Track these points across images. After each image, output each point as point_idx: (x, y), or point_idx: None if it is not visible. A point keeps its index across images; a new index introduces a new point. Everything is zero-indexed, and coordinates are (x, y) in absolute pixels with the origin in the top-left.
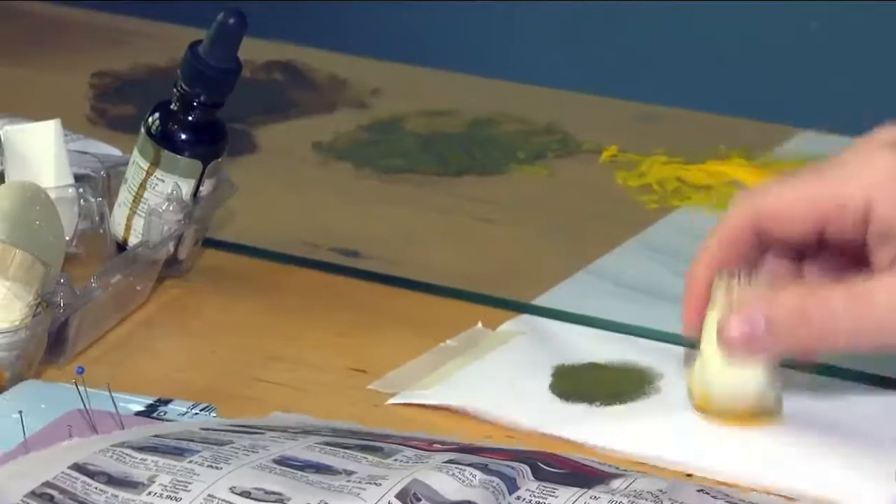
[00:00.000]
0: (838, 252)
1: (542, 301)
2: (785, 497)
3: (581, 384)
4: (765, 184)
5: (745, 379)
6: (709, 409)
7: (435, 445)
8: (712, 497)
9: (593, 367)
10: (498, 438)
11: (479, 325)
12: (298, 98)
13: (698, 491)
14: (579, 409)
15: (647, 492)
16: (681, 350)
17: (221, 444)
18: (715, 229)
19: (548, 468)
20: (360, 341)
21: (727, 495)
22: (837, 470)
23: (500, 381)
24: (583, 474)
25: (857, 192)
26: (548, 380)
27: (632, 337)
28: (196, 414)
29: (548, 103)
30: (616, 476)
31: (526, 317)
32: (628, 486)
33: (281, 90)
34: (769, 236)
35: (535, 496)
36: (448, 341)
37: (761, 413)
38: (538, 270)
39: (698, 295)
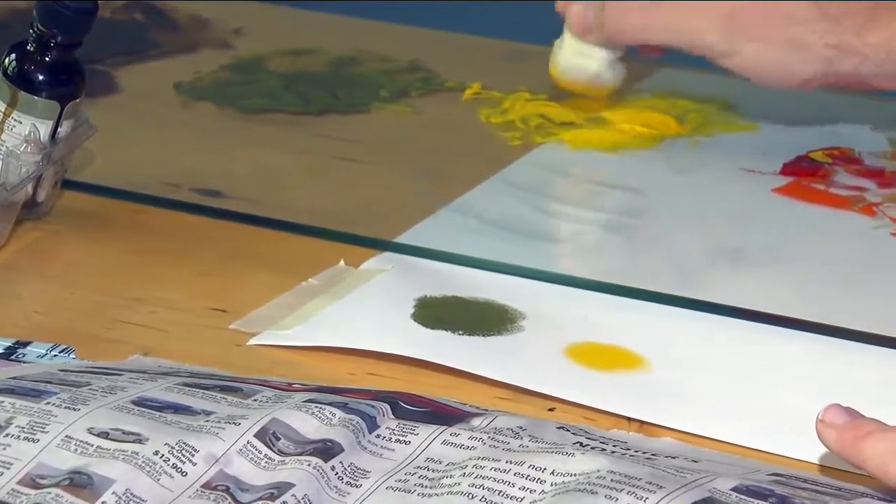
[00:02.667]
0: None
1: (405, 238)
2: (645, 432)
3: (443, 314)
4: None
5: (589, 54)
6: (559, 78)
7: (294, 386)
8: (572, 434)
9: (456, 301)
10: (360, 377)
11: (342, 263)
12: (160, 38)
13: (558, 428)
14: (441, 335)
15: (508, 429)
16: (543, 286)
17: (79, 385)
18: None
19: (408, 407)
20: (221, 281)
21: (586, 432)
22: (698, 404)
23: (362, 316)
24: (443, 413)
25: None
26: (410, 310)
27: (495, 273)
28: (55, 356)
29: (410, 42)
30: (476, 415)
31: (389, 254)
32: (488, 423)
33: (142, 31)
34: None
35: (395, 434)
36: (310, 280)
37: (598, 86)
38: (402, 208)
39: None
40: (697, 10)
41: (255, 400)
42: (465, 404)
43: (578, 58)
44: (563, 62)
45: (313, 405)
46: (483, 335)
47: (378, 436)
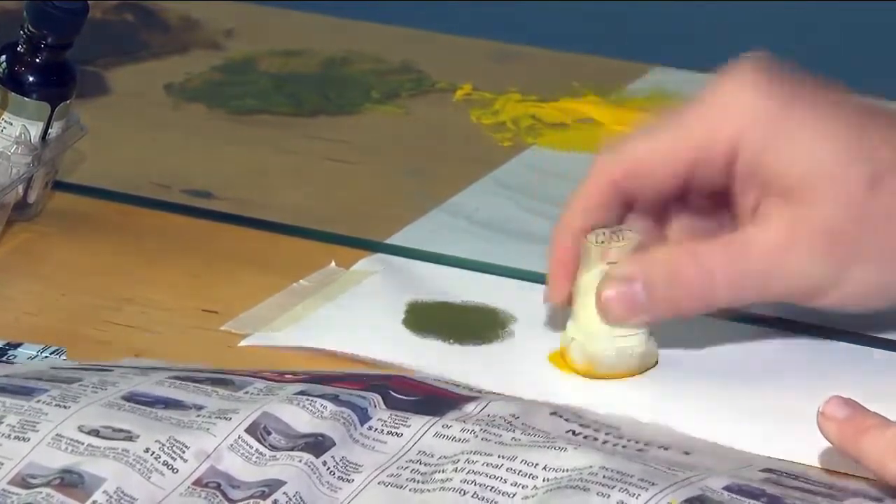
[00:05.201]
0: (702, 202)
1: (395, 240)
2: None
3: (434, 321)
4: (625, 138)
5: (629, 342)
6: (594, 374)
7: (286, 376)
8: (565, 420)
9: (447, 306)
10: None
11: (333, 264)
12: (150, 39)
13: (551, 414)
14: (433, 344)
15: (500, 417)
16: (533, 287)
17: (70, 381)
18: (578, 191)
19: (399, 395)
20: (212, 282)
21: (580, 416)
22: (690, 407)
23: (353, 319)
24: (436, 396)
25: (724, 135)
26: (401, 315)
27: (485, 275)
28: (46, 357)
29: (401, 43)
30: (469, 399)
31: (379, 256)
32: (481, 410)
33: (133, 31)
34: (633, 191)
35: (387, 426)
36: (301, 281)
37: (644, 369)
38: (392, 209)
39: (565, 262)
40: (796, 240)
41: (247, 392)
42: (457, 385)
43: (618, 343)
44: (602, 355)
45: (304, 398)
46: (474, 343)
47: (370, 428)
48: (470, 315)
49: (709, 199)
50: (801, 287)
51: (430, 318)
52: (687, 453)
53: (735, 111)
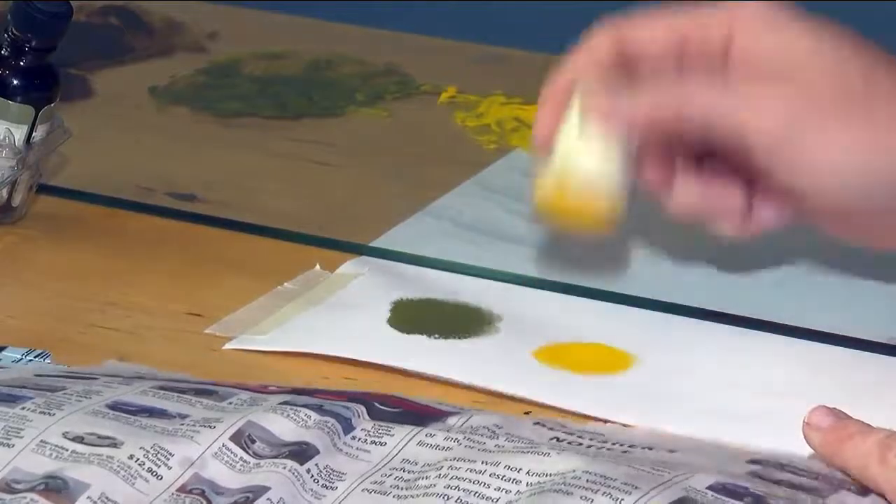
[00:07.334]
0: None
1: (380, 242)
2: (622, 424)
3: (419, 318)
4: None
5: (606, 161)
6: (563, 202)
7: (270, 388)
8: (549, 429)
9: (431, 303)
10: (336, 381)
11: (317, 267)
12: (135, 42)
13: (535, 424)
14: (417, 340)
15: (483, 427)
16: (519, 289)
17: (54, 390)
18: (578, 51)
19: (383, 407)
20: (196, 285)
21: (563, 426)
22: (674, 407)
23: (338, 321)
24: (418, 413)
25: (722, 20)
26: (385, 315)
27: (470, 277)
28: (31, 360)
29: (385, 45)
30: (452, 414)
31: (364, 258)
32: (464, 422)
33: (117, 34)
34: (628, 60)
35: (370, 435)
36: (286, 284)
37: (611, 215)
38: (377, 212)
39: (557, 103)
40: (776, 91)
41: (230, 403)
42: (440, 403)
43: (593, 161)
44: (578, 169)
45: (288, 407)
46: (458, 338)
47: (354, 437)
48: (455, 312)
49: None
50: (772, 126)
51: (414, 315)
52: (672, 451)
53: (738, 8)
